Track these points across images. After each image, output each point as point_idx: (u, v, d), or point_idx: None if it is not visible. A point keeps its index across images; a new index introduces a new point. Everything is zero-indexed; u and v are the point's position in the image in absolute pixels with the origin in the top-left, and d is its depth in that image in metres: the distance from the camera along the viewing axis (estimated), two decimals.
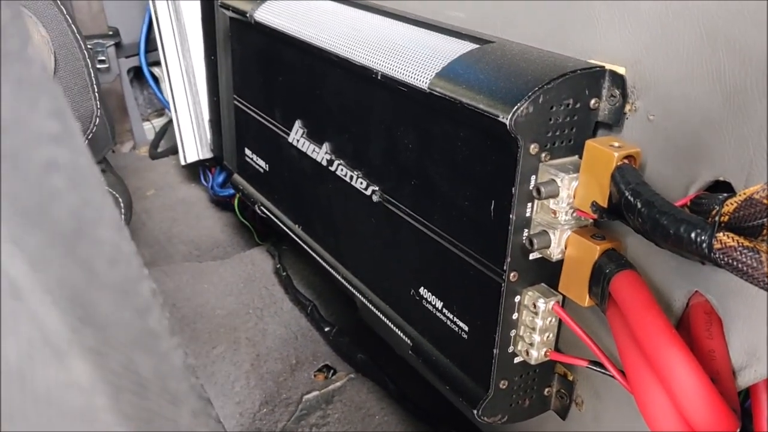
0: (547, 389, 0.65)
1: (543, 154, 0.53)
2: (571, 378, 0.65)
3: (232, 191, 1.27)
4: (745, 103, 0.46)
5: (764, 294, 0.47)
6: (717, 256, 0.42)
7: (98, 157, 1.00)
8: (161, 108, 1.76)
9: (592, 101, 0.54)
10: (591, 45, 0.56)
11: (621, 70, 0.53)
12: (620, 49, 0.54)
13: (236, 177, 1.08)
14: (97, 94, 0.89)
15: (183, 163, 1.30)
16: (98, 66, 1.55)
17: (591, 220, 0.55)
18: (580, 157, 0.54)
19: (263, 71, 0.92)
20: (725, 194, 0.44)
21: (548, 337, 0.59)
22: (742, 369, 0.49)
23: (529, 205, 0.54)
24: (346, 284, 0.81)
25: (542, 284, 0.59)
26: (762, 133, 0.46)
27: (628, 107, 0.54)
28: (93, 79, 0.87)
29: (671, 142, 0.52)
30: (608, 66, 0.54)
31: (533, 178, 0.53)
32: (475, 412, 0.61)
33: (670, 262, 0.53)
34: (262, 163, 0.98)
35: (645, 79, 0.53)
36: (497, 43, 0.61)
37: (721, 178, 0.49)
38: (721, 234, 0.42)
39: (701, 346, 0.49)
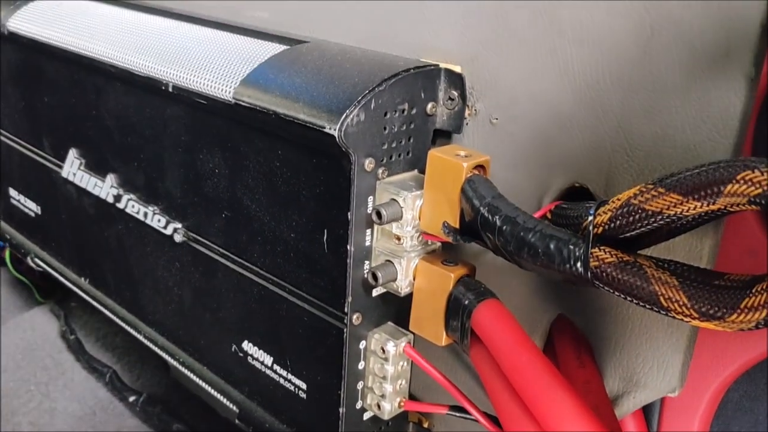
0: None
1: (380, 170, 0.44)
2: (426, 425, 0.57)
3: (1, 243, 1.05)
4: (598, 98, 0.41)
5: (636, 312, 0.42)
6: (594, 274, 0.35)
7: None
8: None
9: (429, 106, 0.46)
10: (419, 42, 0.49)
11: (457, 69, 0.47)
12: (453, 45, 0.47)
13: (2, 225, 0.87)
14: None
15: None
16: None
17: (440, 244, 0.47)
18: (420, 172, 0.46)
19: (24, 93, 0.75)
20: (592, 202, 0.38)
21: (401, 384, 0.50)
22: (619, 397, 0.44)
23: (368, 231, 0.45)
24: (151, 345, 0.66)
25: (389, 324, 0.50)
26: (619, 130, 0.41)
27: (467, 111, 0.47)
28: None
29: (519, 148, 0.46)
30: (442, 65, 0.47)
31: (371, 199, 0.45)
32: None
33: (528, 285, 0.47)
34: (32, 205, 0.80)
35: (484, 77, 0.46)
36: (312, 42, 0.52)
37: (577, 184, 0.44)
38: (596, 249, 0.36)
39: (575, 377, 0.43)
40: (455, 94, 0.47)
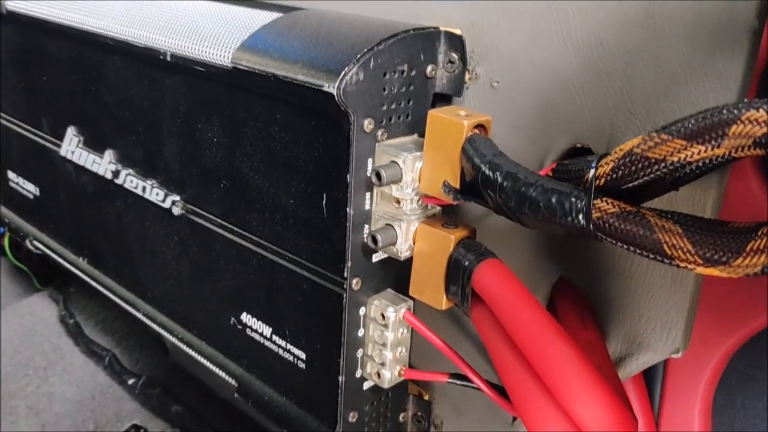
0: (402, 414, 0.56)
1: (379, 132, 0.44)
2: (427, 397, 0.56)
3: (0, 229, 1.05)
4: (601, 58, 0.41)
5: (638, 271, 0.42)
6: (597, 225, 0.35)
7: None
8: None
9: (429, 68, 0.46)
10: (419, 7, 0.48)
11: (457, 32, 0.46)
12: (454, 9, 0.47)
13: (1, 209, 0.87)
14: None
15: None
16: None
17: (440, 208, 0.47)
18: (420, 135, 0.46)
19: (23, 73, 0.75)
20: (593, 156, 0.38)
21: (401, 352, 0.49)
22: (622, 359, 0.44)
23: (368, 195, 0.45)
24: (150, 323, 0.66)
25: (389, 290, 0.49)
26: (623, 89, 0.40)
27: (468, 75, 0.47)
28: None
29: (520, 111, 0.45)
30: (443, 28, 0.46)
31: (370, 161, 0.44)
32: None
33: (529, 248, 0.47)
34: (30, 187, 0.79)
35: (485, 41, 0.46)
36: (309, 10, 0.51)
37: (579, 145, 0.43)
38: (598, 200, 0.35)
39: (577, 339, 0.43)
40: (455, 57, 0.46)
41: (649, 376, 0.53)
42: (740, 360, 0.52)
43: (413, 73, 0.45)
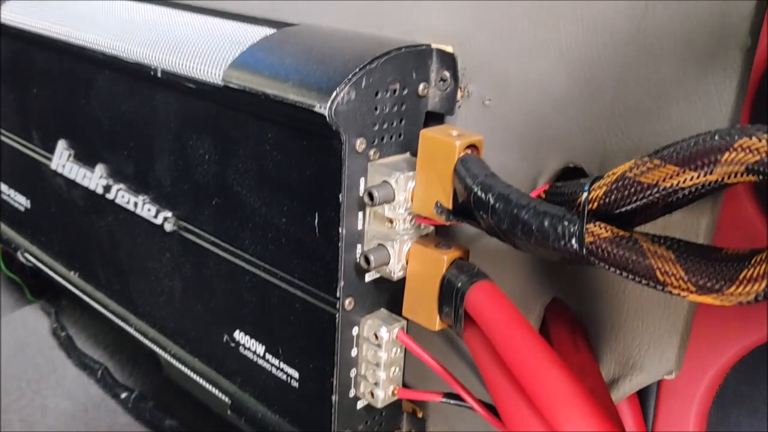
0: None
1: (371, 152, 0.44)
2: (420, 415, 0.56)
3: None
4: (593, 76, 0.41)
5: (632, 293, 0.42)
6: (590, 250, 0.35)
7: None
8: None
9: (421, 86, 0.45)
10: (410, 23, 0.48)
11: (449, 49, 0.46)
12: (445, 26, 0.46)
13: None
14: None
15: None
16: None
17: (432, 228, 0.46)
18: (413, 155, 0.46)
19: (15, 85, 0.74)
20: (586, 179, 0.37)
21: (395, 372, 0.49)
22: (615, 381, 0.43)
23: (360, 215, 0.45)
24: (142, 338, 0.66)
25: (382, 310, 0.49)
26: (614, 108, 0.40)
27: (460, 93, 0.47)
28: None
29: (512, 130, 0.45)
30: (434, 45, 0.46)
31: (362, 181, 0.44)
32: None
33: (522, 269, 0.47)
34: (21, 199, 0.79)
35: (476, 58, 0.45)
36: (302, 25, 0.51)
37: (572, 164, 0.43)
38: (591, 225, 0.35)
39: (570, 362, 0.42)
40: (447, 74, 0.46)
41: (642, 394, 0.53)
42: (735, 377, 0.51)
43: (405, 91, 0.44)
